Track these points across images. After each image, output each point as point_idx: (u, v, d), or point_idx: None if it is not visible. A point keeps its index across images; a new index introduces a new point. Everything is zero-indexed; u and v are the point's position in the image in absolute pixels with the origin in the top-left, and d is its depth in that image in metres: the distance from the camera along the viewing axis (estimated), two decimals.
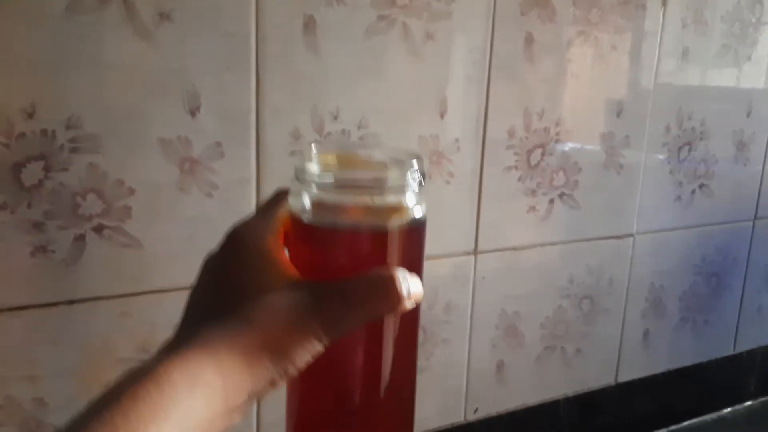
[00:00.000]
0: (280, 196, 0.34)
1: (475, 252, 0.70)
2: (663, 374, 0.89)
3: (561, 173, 0.73)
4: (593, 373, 0.82)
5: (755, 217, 0.93)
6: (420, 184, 0.31)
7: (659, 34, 0.77)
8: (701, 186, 0.86)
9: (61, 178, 0.48)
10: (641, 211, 0.81)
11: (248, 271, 0.29)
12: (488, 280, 0.71)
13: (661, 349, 0.88)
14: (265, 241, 0.30)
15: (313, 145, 0.32)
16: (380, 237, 0.30)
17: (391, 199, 0.30)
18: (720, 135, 0.86)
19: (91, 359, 0.52)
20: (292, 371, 0.27)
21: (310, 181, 0.30)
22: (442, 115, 0.64)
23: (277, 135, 0.56)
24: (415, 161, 0.31)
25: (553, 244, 0.75)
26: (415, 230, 0.31)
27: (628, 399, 0.86)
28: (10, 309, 0.48)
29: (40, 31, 0.46)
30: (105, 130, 0.49)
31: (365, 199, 0.30)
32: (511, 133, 0.69)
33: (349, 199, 0.30)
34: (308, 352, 0.27)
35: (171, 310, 0.55)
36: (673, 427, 0.90)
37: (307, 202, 0.31)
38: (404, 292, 0.28)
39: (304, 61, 0.56)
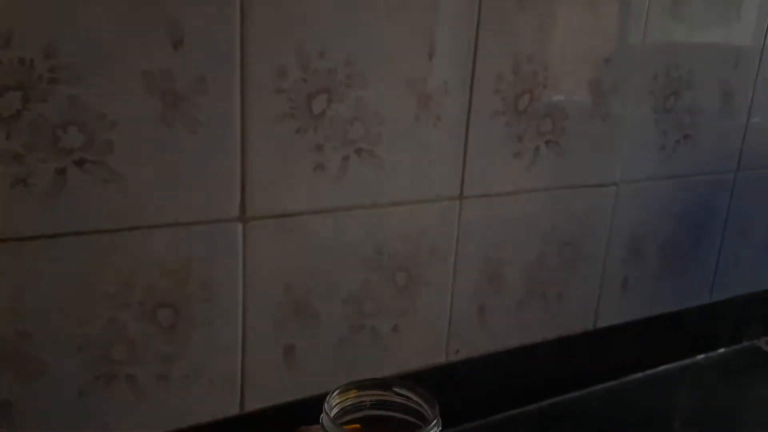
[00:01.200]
0: None
1: (461, 197, 0.70)
2: (640, 321, 0.91)
3: (548, 120, 0.73)
4: (573, 318, 0.84)
5: (737, 169, 0.94)
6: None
7: None
8: (686, 136, 0.87)
9: (40, 110, 0.47)
10: (625, 160, 0.81)
11: None
12: (473, 225, 0.71)
13: (640, 296, 0.90)
14: None
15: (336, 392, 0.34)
16: None
17: None
18: (706, 85, 0.86)
19: (75, 294, 0.52)
20: None
21: None
22: (430, 57, 0.64)
23: (262, 71, 0.55)
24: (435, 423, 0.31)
25: (537, 190, 0.75)
26: None
27: (606, 344, 0.88)
28: None
29: None
30: (86, 61, 0.48)
31: None
32: (499, 78, 0.68)
33: None
34: None
35: (156, 247, 0.55)
36: (648, 372, 0.93)
37: None
38: None
39: None
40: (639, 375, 0.92)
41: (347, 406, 0.34)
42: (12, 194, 0.48)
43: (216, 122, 0.54)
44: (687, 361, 0.97)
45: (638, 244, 0.87)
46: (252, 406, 0.63)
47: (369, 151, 0.63)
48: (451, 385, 0.75)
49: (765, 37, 0.90)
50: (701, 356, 0.99)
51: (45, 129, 0.48)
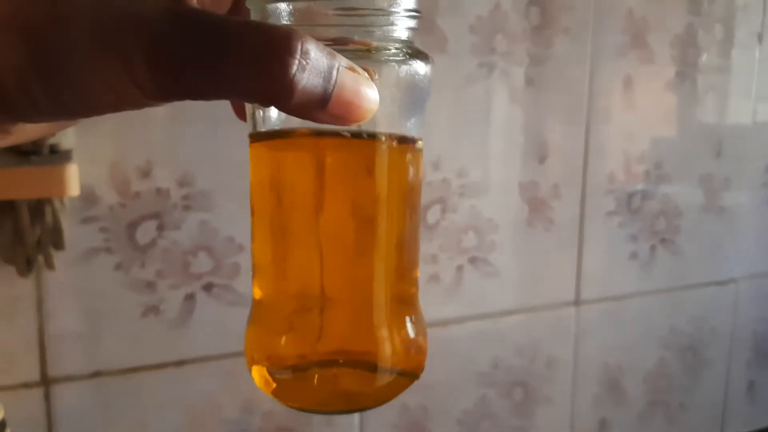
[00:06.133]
0: None
1: (577, 303, 0.66)
2: None
3: (662, 218, 0.70)
4: (697, 429, 0.77)
5: None
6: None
7: (755, 71, 0.74)
8: None
9: (173, 237, 0.47)
10: (743, 256, 0.77)
11: None
12: (590, 331, 0.67)
13: (767, 401, 0.82)
14: None
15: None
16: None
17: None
18: None
19: (195, 421, 0.50)
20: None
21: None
22: (541, 160, 0.62)
23: None
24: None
25: (654, 292, 0.71)
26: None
27: None
28: (121, 371, 0.47)
29: None
30: (216, 186, 0.48)
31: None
32: (611, 178, 0.66)
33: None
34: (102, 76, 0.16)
35: None
36: None
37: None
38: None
39: None
40: None
41: None
42: (142, 323, 0.47)
43: None
44: None
45: (762, 343, 0.80)
46: None
47: (483, 260, 0.61)
48: None
49: None
50: None
51: (176, 255, 0.48)
